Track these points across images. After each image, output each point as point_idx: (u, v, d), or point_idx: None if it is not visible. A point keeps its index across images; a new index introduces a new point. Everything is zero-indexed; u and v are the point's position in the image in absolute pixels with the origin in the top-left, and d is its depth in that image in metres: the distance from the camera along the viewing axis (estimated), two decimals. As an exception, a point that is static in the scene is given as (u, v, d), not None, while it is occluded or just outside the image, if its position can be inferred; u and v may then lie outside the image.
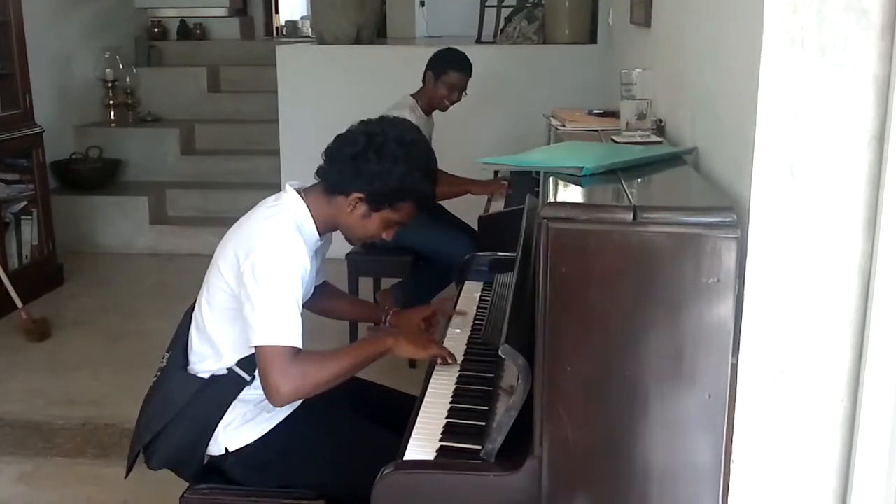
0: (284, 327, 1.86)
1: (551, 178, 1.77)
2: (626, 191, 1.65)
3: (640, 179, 1.81)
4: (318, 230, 2.04)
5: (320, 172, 2.05)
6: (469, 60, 4.01)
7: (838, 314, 1.51)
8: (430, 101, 3.96)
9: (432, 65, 3.96)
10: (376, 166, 1.96)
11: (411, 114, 3.76)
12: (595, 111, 2.89)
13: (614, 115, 2.65)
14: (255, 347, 1.88)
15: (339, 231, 2.11)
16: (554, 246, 1.47)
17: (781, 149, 1.46)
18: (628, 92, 2.25)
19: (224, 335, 2.02)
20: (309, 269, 1.97)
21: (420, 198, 2.03)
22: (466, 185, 4.03)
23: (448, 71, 3.92)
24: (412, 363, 3.79)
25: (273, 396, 1.88)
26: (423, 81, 3.99)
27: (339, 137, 2.05)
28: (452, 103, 3.99)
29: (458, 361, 2.12)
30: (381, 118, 2.07)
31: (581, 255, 1.47)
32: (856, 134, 1.44)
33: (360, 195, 1.99)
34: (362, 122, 2.06)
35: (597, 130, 2.52)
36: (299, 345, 1.88)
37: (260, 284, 1.88)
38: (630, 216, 1.47)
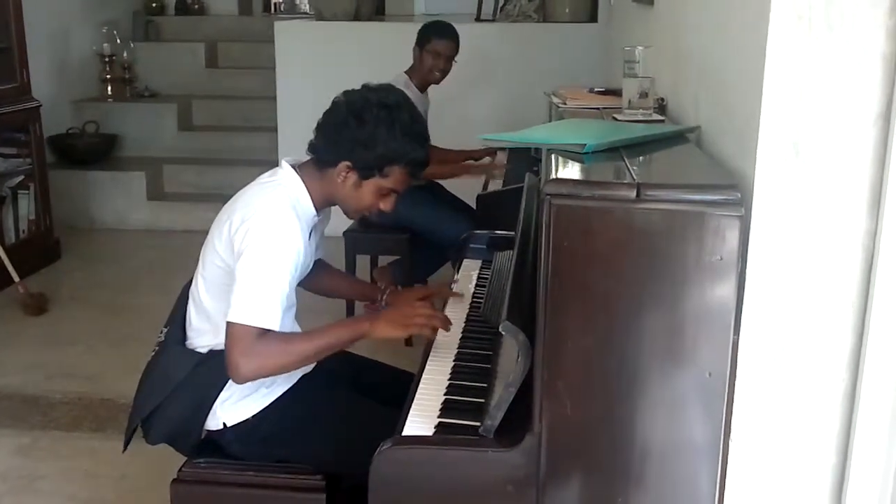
0: (259, 307, 1.84)
1: (553, 155, 1.76)
2: (629, 168, 1.64)
3: (642, 157, 1.80)
4: (314, 206, 2.03)
5: (311, 147, 2.04)
6: (451, 27, 3.97)
7: (840, 293, 1.51)
8: (422, 76, 3.93)
9: (417, 39, 3.94)
10: (359, 132, 1.93)
11: (406, 91, 3.73)
12: (596, 89, 2.87)
13: (615, 93, 2.63)
14: (227, 322, 1.86)
15: (337, 206, 2.10)
16: (556, 222, 1.46)
17: (786, 127, 1.45)
18: (631, 70, 2.23)
19: (220, 310, 2.00)
20: (303, 251, 1.95)
21: (408, 161, 1.98)
22: (463, 168, 4.00)
23: (431, 39, 3.89)
24: (408, 341, 3.80)
25: (233, 373, 1.86)
26: (413, 59, 3.97)
27: (326, 111, 2.04)
28: (443, 73, 3.93)
29: (450, 328, 2.04)
30: (363, 86, 2.04)
31: (584, 232, 1.47)
32: (862, 112, 1.43)
33: (348, 164, 1.96)
34: (345, 91, 2.03)
35: (598, 108, 2.51)
36: (273, 327, 1.86)
37: (246, 260, 1.86)
38: (633, 193, 1.46)
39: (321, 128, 2.02)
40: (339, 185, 1.99)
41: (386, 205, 2.04)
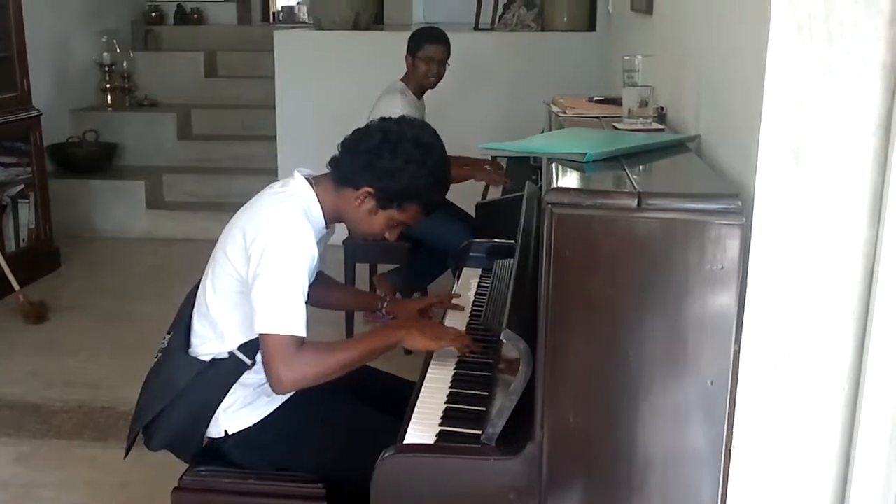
0: (289, 316, 1.86)
1: (554, 164, 1.76)
2: (630, 177, 1.65)
3: (643, 166, 1.81)
4: (325, 219, 2.04)
5: (333, 162, 2.05)
6: (440, 30, 4.00)
7: (841, 302, 1.52)
8: (417, 82, 3.94)
9: (408, 47, 3.96)
10: (389, 163, 1.95)
11: (402, 97, 3.76)
12: (596, 98, 2.88)
13: (615, 102, 2.64)
14: (260, 334, 1.88)
15: (342, 223, 2.11)
16: (558, 231, 1.46)
17: (787, 136, 1.46)
18: (630, 79, 2.23)
19: (227, 319, 2.02)
20: (316, 257, 1.96)
21: (428, 201, 2.03)
22: (470, 171, 3.99)
23: (423, 45, 3.91)
24: (408, 350, 3.79)
25: (275, 385, 1.88)
26: (406, 68, 3.98)
27: (356, 131, 2.05)
28: (438, 77, 3.96)
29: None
30: (401, 117, 2.07)
31: (585, 241, 1.47)
32: (862, 122, 1.44)
33: (370, 190, 1.98)
34: (382, 118, 2.06)
35: (598, 117, 2.51)
36: (303, 333, 1.88)
37: (266, 270, 1.87)
38: (634, 202, 1.46)
39: (350, 148, 2.02)
40: (355, 208, 2.01)
41: (392, 235, 2.08)
